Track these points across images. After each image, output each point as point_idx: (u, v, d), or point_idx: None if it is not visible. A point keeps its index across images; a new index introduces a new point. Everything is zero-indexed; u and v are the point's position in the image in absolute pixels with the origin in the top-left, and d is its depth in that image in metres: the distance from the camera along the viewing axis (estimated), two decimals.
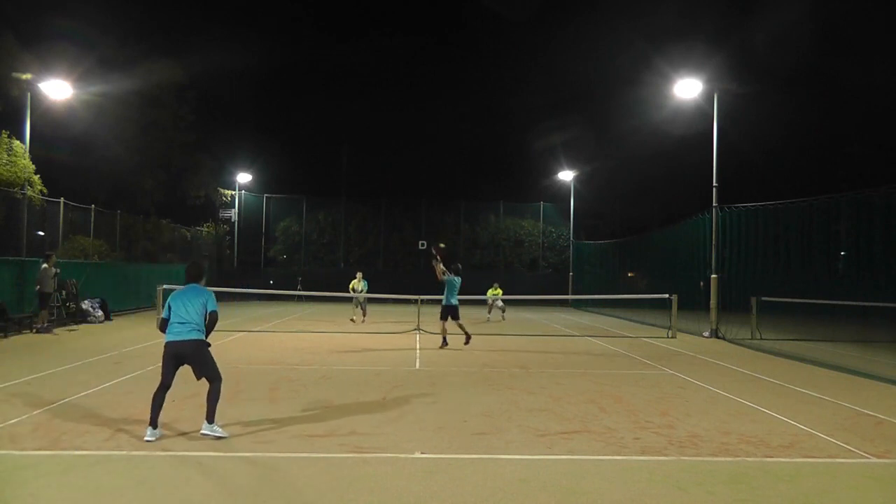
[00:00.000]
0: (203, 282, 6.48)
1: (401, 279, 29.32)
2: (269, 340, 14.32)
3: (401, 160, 49.87)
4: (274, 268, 34.86)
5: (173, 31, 39.11)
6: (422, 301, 17.90)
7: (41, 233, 18.74)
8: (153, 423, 5.92)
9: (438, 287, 13.32)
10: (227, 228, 34.40)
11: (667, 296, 17.08)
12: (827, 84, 44.18)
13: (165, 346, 6.08)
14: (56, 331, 15.06)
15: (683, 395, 8.69)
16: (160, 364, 6.14)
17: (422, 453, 5.68)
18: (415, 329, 16.82)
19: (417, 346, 13.50)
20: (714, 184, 17.10)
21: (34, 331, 14.75)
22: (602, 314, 25.90)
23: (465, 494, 4.71)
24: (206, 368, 6.09)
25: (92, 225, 20.57)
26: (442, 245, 13.20)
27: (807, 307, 17.90)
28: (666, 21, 51.53)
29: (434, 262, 12.66)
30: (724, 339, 16.12)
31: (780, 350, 13.76)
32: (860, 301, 16.38)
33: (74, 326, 16.34)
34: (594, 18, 58.80)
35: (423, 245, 34.47)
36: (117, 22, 26.76)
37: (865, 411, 7.83)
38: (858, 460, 5.79)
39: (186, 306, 6.07)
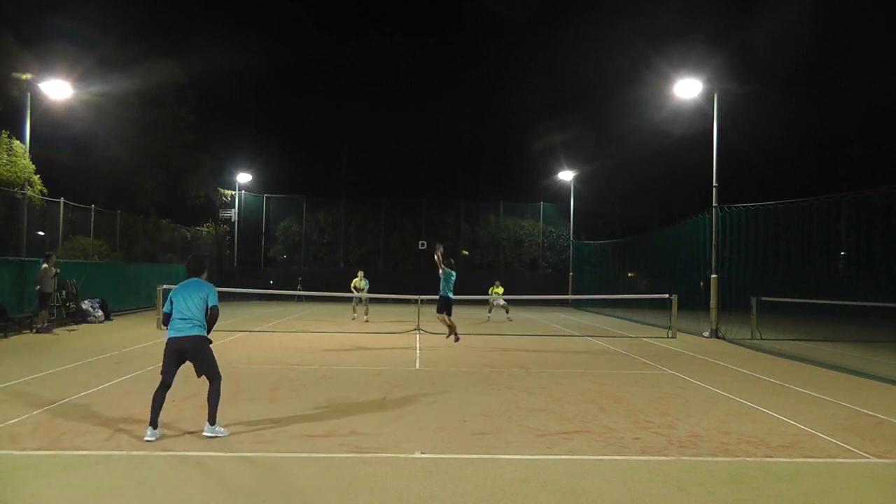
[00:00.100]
0: (204, 275, 6.45)
1: (401, 279, 29.32)
2: (269, 340, 14.32)
3: (401, 160, 49.90)
4: (274, 268, 34.86)
5: (173, 31, 39.13)
6: (422, 301, 17.90)
7: (41, 233, 18.74)
8: (153, 423, 5.91)
9: (438, 286, 13.49)
10: (227, 228, 34.41)
11: (667, 296, 17.08)
12: (827, 84, 44.22)
13: (167, 343, 6.07)
14: (56, 331, 15.07)
15: (683, 395, 8.69)
16: (160, 364, 6.14)
17: (422, 453, 5.68)
18: (415, 329, 16.82)
19: (417, 346, 13.50)
20: (714, 184, 17.10)
21: (34, 331, 14.75)
22: (602, 314, 25.90)
23: (465, 494, 4.71)
24: (207, 365, 6.08)
25: (92, 225, 20.58)
26: (441, 246, 13.59)
27: (807, 307, 17.91)
28: (666, 21, 51.56)
29: (437, 255, 13.11)
30: (724, 339, 16.12)
31: (780, 350, 13.76)
32: (860, 301, 16.38)
33: (74, 326, 16.34)
34: (594, 18, 58.85)
35: (423, 245, 34.49)
36: (117, 22, 26.80)
37: (865, 411, 7.83)
38: (858, 460, 5.79)
39: (187, 301, 6.06)
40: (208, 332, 6.17)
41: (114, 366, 10.10)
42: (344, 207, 35.84)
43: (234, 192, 34.33)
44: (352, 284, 19.98)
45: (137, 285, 22.01)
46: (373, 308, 20.50)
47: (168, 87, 26.04)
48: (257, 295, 28.72)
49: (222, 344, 12.61)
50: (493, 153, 55.50)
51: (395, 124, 57.87)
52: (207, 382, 6.13)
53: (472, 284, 25.26)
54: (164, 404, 6.05)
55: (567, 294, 31.14)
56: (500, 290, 21.68)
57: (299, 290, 29.61)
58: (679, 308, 16.94)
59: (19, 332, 14.55)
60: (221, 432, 6.04)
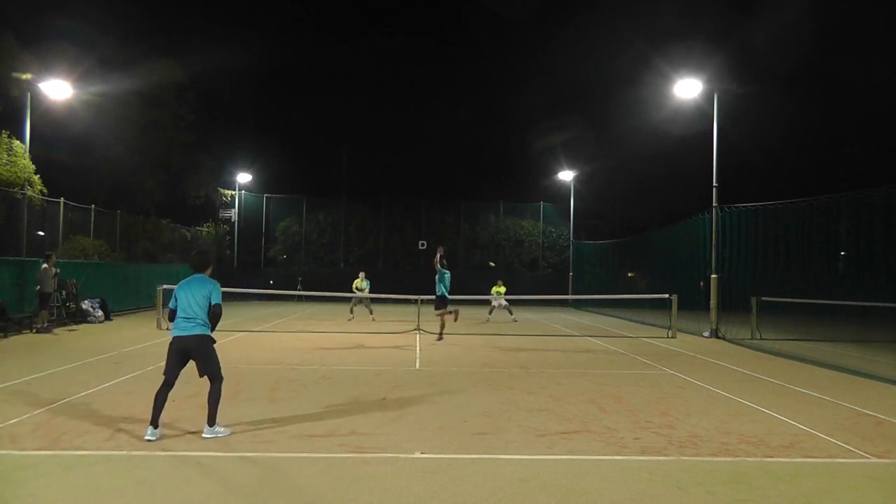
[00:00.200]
0: (209, 271, 6.43)
1: (401, 279, 29.32)
2: (269, 340, 14.32)
3: (401, 160, 49.92)
4: (274, 268, 34.86)
5: (173, 31, 39.16)
6: (422, 301, 17.90)
7: (41, 233, 18.74)
8: (154, 423, 5.91)
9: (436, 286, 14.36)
10: (227, 228, 34.40)
11: (667, 296, 17.08)
12: (827, 84, 44.23)
13: (171, 342, 6.08)
14: (56, 331, 15.07)
15: (683, 395, 8.69)
16: (161, 363, 6.14)
17: (422, 453, 5.68)
18: (415, 329, 16.82)
19: (417, 346, 13.50)
20: (714, 184, 17.10)
21: (34, 331, 14.75)
22: (602, 314, 25.90)
23: (465, 494, 4.71)
24: (209, 365, 6.08)
25: (92, 225, 20.58)
26: (442, 249, 14.53)
27: (807, 307, 17.90)
28: (666, 21, 51.55)
29: (438, 256, 14.05)
30: (724, 339, 16.12)
31: (780, 350, 13.76)
32: (860, 301, 16.37)
33: (74, 326, 16.35)
34: (594, 18, 58.85)
35: (423, 245, 34.49)
36: (117, 22, 26.79)
37: (865, 411, 7.83)
38: (858, 460, 5.79)
39: (189, 299, 6.05)
40: (212, 331, 6.17)
41: (114, 366, 10.10)
42: (344, 207, 35.83)
43: (234, 192, 34.32)
44: (353, 285, 20.00)
45: (137, 285, 22.01)
46: (373, 308, 20.51)
47: (168, 87, 26.03)
48: (257, 295, 28.72)
49: (222, 344, 12.57)
50: (493, 153, 55.57)
51: (395, 124, 57.94)
52: (209, 383, 6.12)
53: (472, 284, 25.28)
54: (165, 405, 6.05)
55: (567, 294, 31.14)
56: (503, 289, 21.42)
57: (299, 290, 29.60)
58: (679, 308, 16.94)
59: (19, 332, 14.56)
60: (221, 432, 6.04)
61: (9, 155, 16.81)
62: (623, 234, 30.65)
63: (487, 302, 21.70)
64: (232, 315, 20.06)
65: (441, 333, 14.39)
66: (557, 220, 36.25)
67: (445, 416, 7.11)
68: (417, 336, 15.53)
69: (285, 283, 31.29)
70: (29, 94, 17.11)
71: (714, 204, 17.01)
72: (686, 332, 17.19)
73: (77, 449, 5.59)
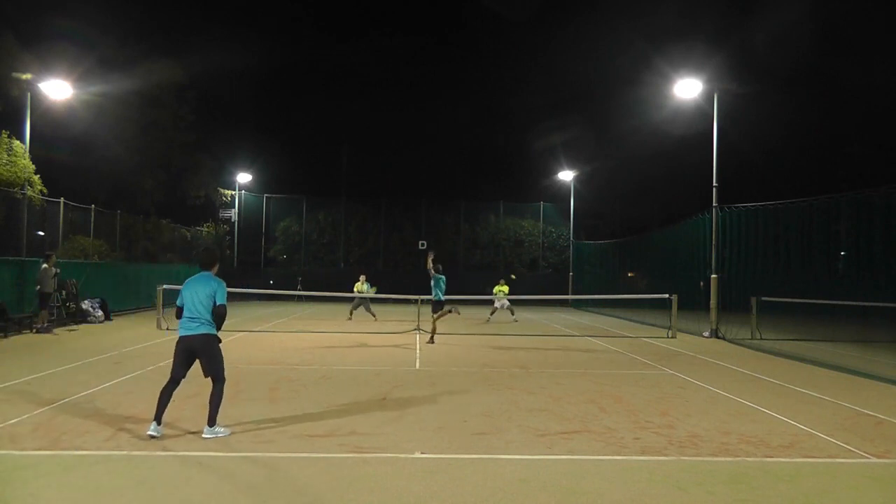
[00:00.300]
0: (216, 269, 6.45)
1: (401, 279, 29.31)
2: (269, 340, 14.32)
3: (401, 160, 49.89)
4: (274, 268, 34.86)
5: (173, 31, 39.11)
6: (422, 301, 17.89)
7: (41, 233, 18.74)
8: (157, 419, 5.94)
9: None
10: (227, 228, 34.39)
11: (667, 296, 17.08)
12: (827, 84, 44.22)
13: (178, 341, 6.12)
14: (56, 331, 15.07)
15: (683, 395, 8.69)
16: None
17: (422, 453, 5.68)
18: (415, 329, 16.82)
19: (417, 346, 13.50)
20: (714, 184, 17.10)
21: (34, 331, 14.75)
22: (602, 314, 25.90)
23: (465, 494, 4.71)
24: (213, 365, 6.09)
25: (92, 225, 20.57)
26: (432, 254, 14.54)
27: (807, 307, 17.90)
28: (666, 21, 51.55)
29: (429, 260, 14.07)
30: (724, 339, 16.12)
31: (780, 350, 13.76)
32: (860, 301, 16.38)
33: (74, 326, 16.35)
34: (594, 18, 58.84)
35: (423, 245, 34.48)
36: (117, 22, 26.77)
37: (865, 411, 7.83)
38: (858, 460, 5.79)
39: (194, 299, 6.08)
40: (217, 331, 6.18)
41: (114, 366, 10.10)
42: (344, 207, 35.83)
43: (234, 192, 34.32)
44: (354, 288, 19.98)
45: (137, 285, 22.01)
46: (373, 308, 20.51)
47: (168, 87, 26.02)
48: (257, 295, 28.71)
49: (223, 344, 12.59)
50: (493, 153, 55.51)
51: (395, 124, 57.92)
52: (211, 383, 6.13)
53: (472, 285, 25.29)
54: (170, 402, 6.05)
55: (567, 294, 31.14)
56: (506, 288, 21.30)
57: (299, 290, 29.60)
58: (679, 308, 16.94)
59: (19, 332, 14.56)
60: (221, 432, 6.04)
61: (9, 155, 16.81)
62: (623, 234, 30.65)
63: (489, 302, 21.53)
64: (232, 315, 19.98)
65: (432, 337, 14.30)
66: (557, 220, 36.25)
67: (445, 416, 7.11)
68: (417, 336, 15.53)
69: (285, 283, 31.29)
70: (29, 94, 17.11)
71: (714, 204, 17.01)
72: (686, 332, 17.20)
73: (77, 449, 5.59)
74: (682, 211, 24.25)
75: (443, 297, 14.20)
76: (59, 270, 15.55)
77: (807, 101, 42.48)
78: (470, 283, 27.73)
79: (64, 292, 16.66)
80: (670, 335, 16.46)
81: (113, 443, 5.80)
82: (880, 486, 5.15)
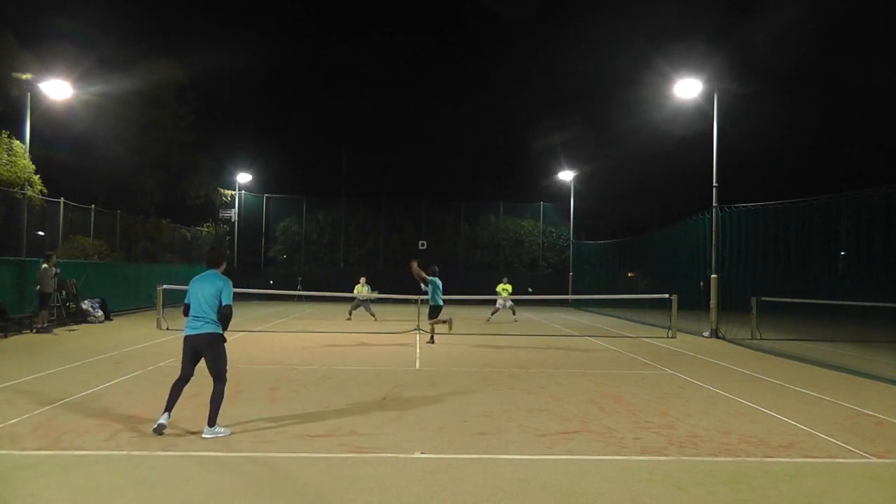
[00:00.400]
0: (222, 268, 6.46)
1: (401, 279, 29.23)
2: (269, 340, 14.32)
3: (401, 160, 49.90)
4: (274, 268, 34.85)
5: (173, 31, 39.15)
6: (421, 301, 17.89)
7: (41, 233, 18.74)
8: (168, 409, 6.05)
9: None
10: (227, 228, 34.38)
11: (667, 296, 17.08)
12: (827, 84, 44.24)
13: (184, 340, 6.17)
14: (56, 331, 15.07)
15: (683, 395, 8.69)
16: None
17: (422, 453, 5.68)
18: (415, 329, 16.82)
19: (417, 346, 13.50)
20: (714, 184, 17.10)
21: (34, 331, 14.75)
22: (602, 314, 25.90)
23: (465, 494, 4.71)
24: (216, 364, 6.11)
25: (92, 225, 20.57)
26: (415, 261, 14.45)
27: (807, 307, 17.90)
28: (666, 21, 51.57)
29: (416, 270, 14.02)
30: (724, 339, 16.12)
31: (780, 350, 13.76)
32: (860, 301, 16.38)
33: (74, 326, 16.35)
34: (594, 18, 58.87)
35: (423, 245, 34.48)
36: (117, 22, 26.78)
37: (865, 411, 7.83)
38: (858, 460, 5.79)
39: (199, 297, 6.11)
40: (224, 330, 6.22)
41: (114, 366, 10.10)
42: (344, 207, 35.82)
43: (234, 192, 34.31)
44: (355, 290, 19.97)
45: (137, 285, 22.01)
46: (373, 307, 20.52)
47: (168, 87, 26.02)
48: (257, 295, 28.71)
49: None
50: (493, 153, 55.52)
51: (395, 124, 57.93)
52: (212, 383, 6.13)
53: (472, 285, 25.28)
54: (164, 405, 6.06)
55: (567, 294, 31.13)
56: (510, 287, 21.12)
57: (299, 290, 29.60)
58: (679, 308, 16.94)
59: (19, 332, 14.56)
60: (221, 432, 6.05)
61: (9, 155, 16.81)
62: (623, 234, 30.65)
63: (491, 302, 21.39)
64: (233, 315, 19.99)
65: (432, 337, 14.27)
66: (557, 220, 36.24)
67: (445, 416, 7.11)
68: (417, 336, 15.54)
69: (285, 283, 31.28)
70: (29, 94, 17.11)
71: (714, 204, 17.01)
72: (686, 332, 17.19)
73: (77, 449, 5.59)
74: (682, 211, 24.24)
75: (441, 302, 14.07)
76: (59, 270, 15.55)
77: (807, 101, 42.53)
78: (470, 283, 27.75)
79: (64, 292, 16.66)
80: (670, 335, 16.46)
81: (113, 443, 5.80)
82: (880, 486, 5.15)
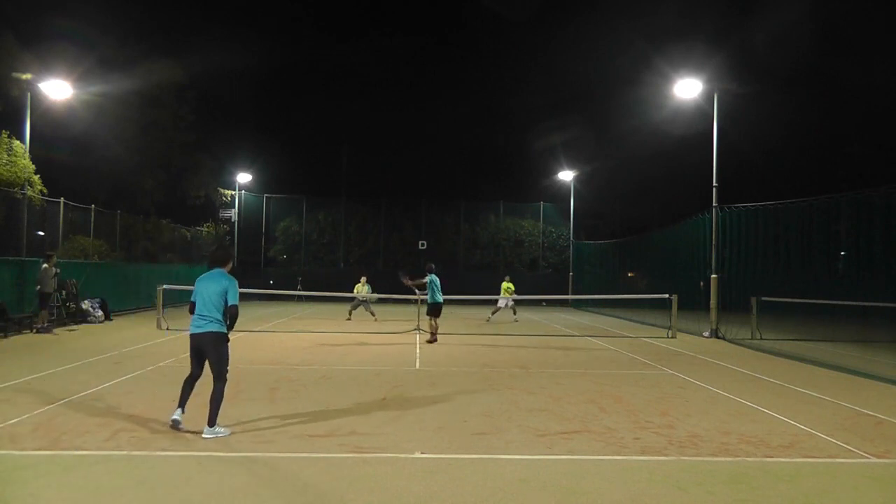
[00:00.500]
0: (228, 267, 6.48)
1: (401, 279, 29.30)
2: (269, 340, 14.32)
3: (401, 160, 49.93)
4: (274, 268, 34.85)
5: (173, 31, 39.15)
6: (421, 301, 17.88)
7: (41, 233, 18.73)
8: (181, 405, 6.17)
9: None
10: (227, 228, 34.37)
11: (667, 296, 17.07)
12: (827, 84, 44.25)
13: (190, 339, 6.22)
14: (56, 331, 15.07)
15: (683, 395, 8.69)
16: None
17: (422, 453, 5.68)
18: (415, 329, 16.82)
19: (417, 346, 13.50)
20: (714, 184, 17.10)
21: (34, 331, 14.75)
22: (602, 314, 25.90)
23: (465, 494, 4.71)
24: (217, 363, 6.13)
25: (92, 225, 20.57)
26: (405, 276, 14.53)
27: (807, 307, 17.90)
28: (666, 21, 51.58)
29: (408, 283, 14.21)
30: (724, 339, 16.12)
31: (780, 350, 13.76)
32: (860, 301, 16.38)
33: (74, 326, 16.35)
34: (594, 18, 58.87)
35: (423, 245, 34.49)
36: (117, 22, 26.76)
37: (865, 411, 7.83)
38: (858, 460, 5.79)
39: (204, 295, 6.14)
40: (229, 330, 6.24)
41: (114, 366, 10.10)
42: (344, 207, 35.82)
43: (234, 192, 34.30)
44: (355, 289, 19.96)
45: (137, 285, 22.01)
46: (372, 308, 20.51)
47: (168, 87, 26.01)
48: (257, 295, 28.71)
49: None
50: (493, 153, 55.55)
51: (395, 124, 57.95)
52: (212, 382, 6.14)
53: (472, 285, 25.26)
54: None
55: (567, 294, 31.13)
56: (512, 286, 21.02)
57: (299, 290, 29.60)
58: (679, 308, 16.93)
59: (19, 332, 14.56)
60: (221, 432, 6.05)
61: (9, 155, 16.80)
62: (623, 234, 30.65)
63: (489, 302, 21.30)
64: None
65: (435, 336, 14.28)
66: (557, 220, 36.24)
67: (445, 416, 7.11)
68: (417, 336, 15.53)
69: (285, 283, 31.28)
70: (29, 94, 17.11)
71: (714, 204, 17.01)
72: (686, 332, 17.19)
73: (77, 449, 5.59)
74: (682, 211, 24.23)
75: (441, 300, 14.13)
76: (59, 270, 15.55)
77: (807, 101, 42.54)
78: (470, 283, 27.74)
79: (64, 292, 16.66)
80: (670, 335, 16.46)
81: (113, 443, 5.80)
82: (880, 486, 5.15)
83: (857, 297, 16.60)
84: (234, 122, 44.41)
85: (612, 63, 57.08)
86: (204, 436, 5.98)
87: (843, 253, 18.07)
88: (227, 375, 6.23)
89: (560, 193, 35.24)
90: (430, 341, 14.10)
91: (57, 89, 17.57)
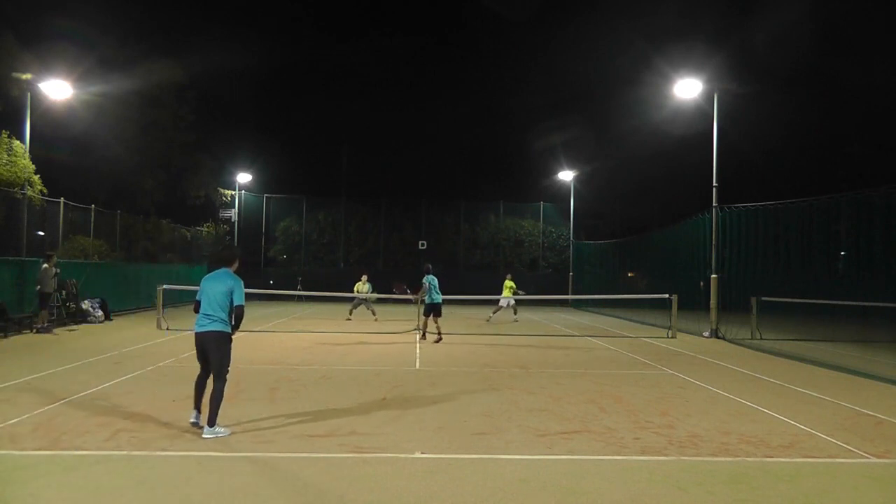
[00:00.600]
0: (234, 266, 6.49)
1: (401, 279, 29.30)
2: (269, 340, 14.33)
3: (401, 160, 49.98)
4: (274, 268, 34.85)
5: (173, 31, 39.20)
6: (421, 301, 17.87)
7: (41, 233, 18.73)
8: (196, 407, 6.25)
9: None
10: (227, 228, 34.37)
11: (667, 296, 17.07)
12: (827, 84, 44.27)
13: (195, 338, 6.25)
14: (56, 331, 15.07)
15: (683, 395, 8.69)
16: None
17: (422, 453, 5.68)
18: (415, 329, 16.81)
19: (417, 346, 13.50)
20: (714, 184, 17.10)
21: (34, 331, 14.75)
22: (602, 314, 25.90)
23: (465, 494, 4.71)
24: (219, 363, 6.15)
25: (92, 225, 20.57)
26: (398, 285, 14.69)
27: (807, 307, 17.90)
28: (666, 21, 51.59)
29: (408, 294, 14.20)
30: (724, 339, 16.12)
31: (780, 350, 13.76)
32: (860, 301, 16.38)
33: (74, 326, 16.34)
34: (594, 18, 58.89)
35: (423, 245, 34.48)
36: (117, 22, 26.79)
37: (865, 411, 7.83)
38: (858, 460, 5.79)
39: (210, 296, 6.16)
40: (234, 331, 6.26)
41: (114, 366, 10.10)
42: (344, 207, 35.82)
43: (234, 192, 34.29)
44: (355, 288, 19.95)
45: (137, 285, 22.01)
46: (373, 307, 20.51)
47: (168, 87, 26.01)
48: (257, 295, 28.68)
49: None
50: (493, 153, 55.61)
51: (395, 124, 57.99)
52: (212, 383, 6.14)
53: (472, 285, 25.25)
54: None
55: (567, 294, 31.13)
56: (514, 285, 20.94)
57: (299, 290, 29.59)
58: (679, 308, 16.93)
59: (19, 332, 14.55)
60: (221, 432, 6.05)
61: (9, 155, 16.80)
62: (623, 234, 30.65)
63: (489, 302, 21.26)
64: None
65: (439, 334, 14.42)
66: (557, 220, 36.24)
67: (445, 416, 7.11)
68: (417, 336, 15.53)
69: (285, 283, 31.27)
70: (29, 94, 17.10)
71: (714, 204, 17.01)
72: (686, 332, 17.19)
73: (77, 449, 5.59)
74: (682, 211, 24.23)
75: (439, 299, 14.31)
76: (59, 270, 15.54)
77: (807, 101, 42.57)
78: (470, 283, 27.74)
79: (64, 292, 16.66)
80: (670, 335, 16.46)
81: (113, 443, 5.80)
82: (880, 486, 5.15)
83: (857, 297, 16.60)
84: (234, 122, 44.49)
85: (612, 63, 57.14)
86: (204, 435, 5.98)
87: (843, 253, 18.07)
88: (228, 376, 6.24)
89: (560, 193, 35.25)
90: (436, 341, 14.21)
91: (57, 89, 17.56)
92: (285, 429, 6.41)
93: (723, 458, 5.72)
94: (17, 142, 17.13)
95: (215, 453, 5.55)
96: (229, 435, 6.07)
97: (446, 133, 58.39)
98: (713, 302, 16.77)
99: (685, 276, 19.06)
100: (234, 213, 34.31)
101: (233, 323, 6.20)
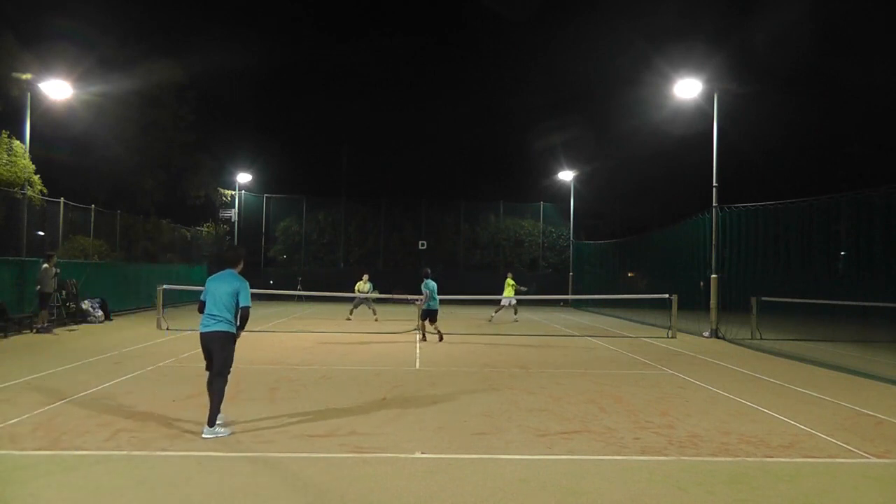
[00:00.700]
0: (240, 267, 6.50)
1: (401, 279, 29.30)
2: (269, 340, 14.32)
3: (401, 160, 50.00)
4: (274, 268, 34.85)
5: (173, 31, 39.19)
6: (421, 301, 17.88)
7: (41, 233, 18.73)
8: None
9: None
10: (227, 228, 34.37)
11: (667, 296, 17.07)
12: (827, 84, 44.26)
13: (200, 338, 6.25)
14: (56, 331, 15.06)
15: (683, 395, 8.69)
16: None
17: (422, 453, 5.68)
18: (415, 329, 16.81)
19: (417, 346, 13.50)
20: (714, 184, 17.10)
21: (34, 331, 14.75)
22: (602, 314, 25.90)
23: (465, 494, 4.71)
24: (221, 362, 6.16)
25: (92, 225, 20.57)
26: (399, 292, 15.22)
27: (807, 307, 17.90)
28: (666, 21, 51.59)
29: (398, 296, 14.58)
30: (724, 339, 16.12)
31: (780, 350, 13.76)
32: (860, 301, 16.38)
33: (74, 326, 16.34)
34: (594, 18, 58.89)
35: (423, 245, 34.48)
36: (117, 22, 26.78)
37: (865, 411, 7.83)
38: (858, 460, 5.79)
39: (215, 295, 6.17)
40: (240, 332, 6.26)
41: (114, 366, 10.10)
42: (344, 207, 35.82)
43: (234, 192, 34.30)
44: (356, 287, 19.95)
45: (137, 285, 22.00)
46: (373, 307, 20.52)
47: (168, 87, 26.01)
48: (257, 295, 28.48)
49: None
50: (493, 153, 55.62)
51: (395, 124, 58.00)
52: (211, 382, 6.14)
53: (472, 285, 25.25)
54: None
55: (567, 294, 31.13)
56: (515, 284, 20.96)
57: (299, 290, 29.59)
58: (679, 308, 16.93)
59: (19, 332, 14.55)
60: (221, 432, 6.05)
61: (9, 155, 16.80)
62: (623, 234, 30.64)
63: (489, 302, 21.25)
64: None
65: (440, 334, 14.47)
66: (557, 220, 36.24)
67: (445, 416, 7.11)
68: (417, 336, 15.53)
69: (285, 283, 31.27)
70: (29, 94, 17.10)
71: (714, 204, 17.01)
72: (686, 332, 17.19)
73: (77, 449, 5.59)
74: (682, 211, 24.22)
75: (436, 306, 14.48)
76: (59, 270, 15.54)
77: (807, 101, 42.59)
78: (470, 283, 27.73)
79: (64, 292, 16.66)
80: (670, 335, 16.46)
81: (113, 443, 5.80)
82: (880, 486, 5.15)
83: (857, 297, 16.60)
84: (234, 122, 44.50)
85: (612, 63, 57.14)
86: (204, 435, 5.98)
87: (843, 253, 18.07)
88: (229, 376, 6.23)
89: (560, 193, 35.25)
90: (439, 340, 14.30)
91: (57, 89, 17.56)
92: (285, 429, 6.41)
93: (723, 458, 5.72)
94: (17, 142, 17.13)
95: (215, 453, 5.55)
96: (229, 435, 6.07)
97: (446, 133, 58.46)
98: (713, 302, 16.77)
99: (685, 276, 19.06)
100: (234, 213, 34.31)
101: (238, 324, 6.19)
